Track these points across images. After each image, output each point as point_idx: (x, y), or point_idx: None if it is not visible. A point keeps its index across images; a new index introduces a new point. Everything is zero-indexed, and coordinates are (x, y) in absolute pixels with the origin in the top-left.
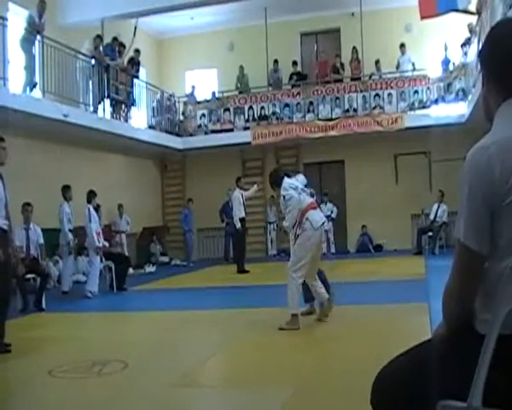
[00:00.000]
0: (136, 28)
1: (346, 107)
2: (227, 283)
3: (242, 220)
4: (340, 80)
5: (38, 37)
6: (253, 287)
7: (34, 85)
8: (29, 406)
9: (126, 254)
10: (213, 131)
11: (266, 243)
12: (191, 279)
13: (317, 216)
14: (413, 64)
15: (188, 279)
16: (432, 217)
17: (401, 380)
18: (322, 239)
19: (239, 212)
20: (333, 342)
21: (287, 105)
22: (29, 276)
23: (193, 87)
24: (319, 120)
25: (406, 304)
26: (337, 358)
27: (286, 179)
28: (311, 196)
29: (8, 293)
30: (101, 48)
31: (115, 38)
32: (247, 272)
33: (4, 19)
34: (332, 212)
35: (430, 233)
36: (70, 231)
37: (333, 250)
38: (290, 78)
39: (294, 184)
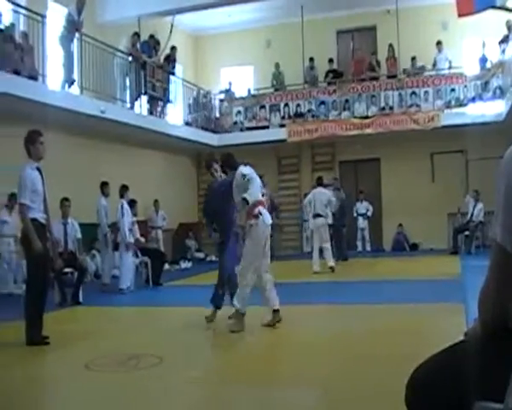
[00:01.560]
0: (172, 25)
1: (382, 104)
2: None
3: None
4: (376, 78)
5: (77, 34)
6: (286, 284)
7: (72, 82)
8: (65, 398)
9: (162, 249)
10: (249, 128)
11: (301, 241)
12: None
13: (268, 215)
14: (450, 62)
15: None
16: (468, 216)
17: (436, 380)
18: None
19: None
20: (365, 341)
21: (322, 103)
22: (67, 270)
23: (230, 83)
24: (355, 117)
25: (441, 304)
26: (369, 357)
27: (243, 167)
28: (262, 195)
29: (46, 285)
30: (138, 45)
31: (152, 36)
32: None
33: (43, 17)
34: (367, 210)
35: (466, 232)
36: (108, 225)
37: (368, 248)
38: (326, 75)
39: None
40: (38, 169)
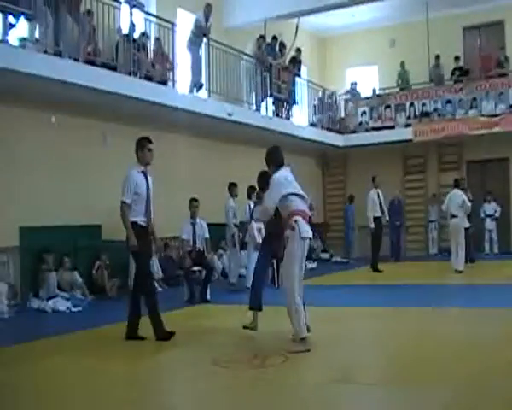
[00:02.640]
0: (297, 27)
1: (511, 102)
2: (386, 281)
3: (377, 219)
4: (505, 74)
5: (204, 39)
6: (416, 286)
7: (200, 86)
8: (193, 393)
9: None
10: (374, 129)
11: (427, 242)
12: (351, 276)
13: (306, 226)
14: None
15: (348, 276)
16: None
17: None
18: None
19: (372, 211)
20: (499, 348)
21: (449, 101)
22: (195, 268)
23: (354, 83)
24: (482, 116)
25: None
26: (502, 367)
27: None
28: (310, 208)
29: (147, 283)
30: (263, 48)
31: (274, 37)
32: (381, 271)
33: (173, 24)
34: (495, 211)
35: None
36: (235, 225)
37: (496, 250)
38: (452, 73)
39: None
40: (144, 173)
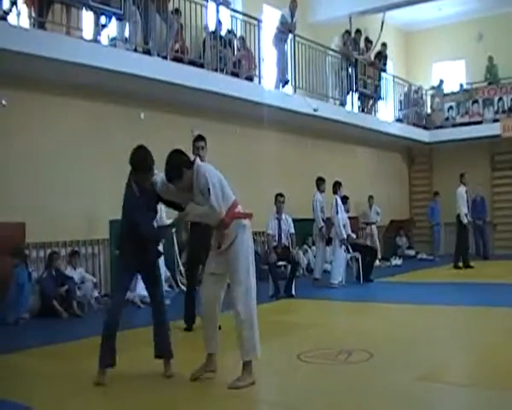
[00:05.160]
0: (383, 22)
1: None
2: (473, 278)
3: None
4: None
5: (290, 35)
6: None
7: (286, 82)
8: (278, 385)
9: (377, 244)
10: (461, 124)
11: None
12: (437, 274)
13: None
14: None
15: (433, 274)
16: None
17: None
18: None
19: (464, 208)
20: None
21: None
22: (280, 263)
23: (441, 81)
24: None
25: None
26: None
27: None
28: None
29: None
30: (349, 43)
31: (358, 30)
32: (460, 268)
33: (259, 21)
34: None
35: None
36: (323, 220)
37: None
38: None
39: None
40: None
